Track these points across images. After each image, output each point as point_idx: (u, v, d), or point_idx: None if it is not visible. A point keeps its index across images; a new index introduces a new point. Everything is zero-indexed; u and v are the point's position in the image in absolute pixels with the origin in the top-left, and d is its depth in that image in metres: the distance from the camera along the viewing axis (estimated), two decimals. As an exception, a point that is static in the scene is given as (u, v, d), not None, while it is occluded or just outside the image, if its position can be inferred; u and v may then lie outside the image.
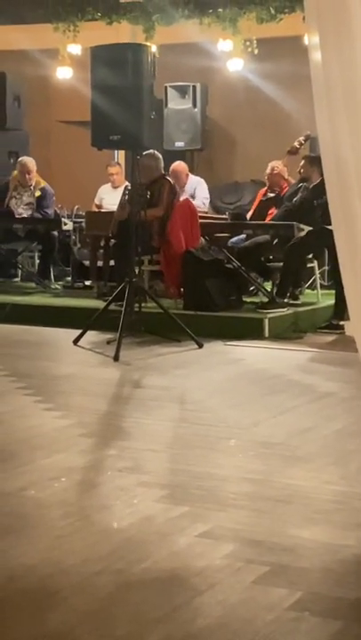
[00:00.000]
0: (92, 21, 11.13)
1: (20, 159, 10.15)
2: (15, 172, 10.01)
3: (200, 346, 6.95)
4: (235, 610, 2.54)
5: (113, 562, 2.87)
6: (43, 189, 9.86)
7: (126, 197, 7.95)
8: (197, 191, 9.72)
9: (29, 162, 9.94)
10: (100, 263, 9.06)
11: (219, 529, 3.17)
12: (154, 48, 8.28)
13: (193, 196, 9.52)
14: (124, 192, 8.33)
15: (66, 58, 11.39)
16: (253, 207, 9.11)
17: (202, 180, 9.92)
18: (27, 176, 9.81)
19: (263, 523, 3.26)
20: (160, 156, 8.52)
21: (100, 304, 7.63)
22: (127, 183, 9.36)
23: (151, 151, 8.21)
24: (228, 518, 3.30)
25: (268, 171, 9.08)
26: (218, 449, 4.26)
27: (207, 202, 9.89)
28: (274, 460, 4.05)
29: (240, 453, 4.18)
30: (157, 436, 4.46)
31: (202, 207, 9.52)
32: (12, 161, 10.87)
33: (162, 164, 8.49)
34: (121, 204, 8.16)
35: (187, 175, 9.75)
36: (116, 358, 6.41)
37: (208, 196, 9.94)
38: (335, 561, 2.91)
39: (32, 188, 9.86)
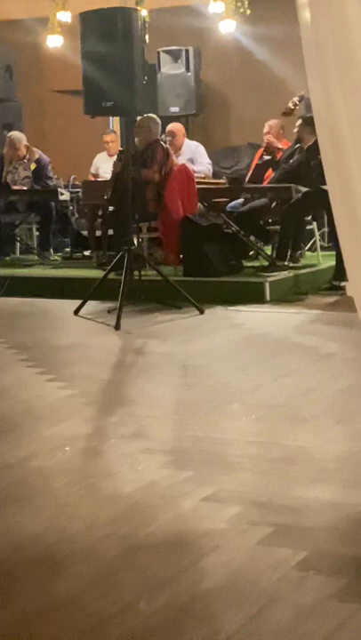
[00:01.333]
0: (82, -13, 10.99)
1: (8, 135, 10.09)
2: (6, 148, 9.96)
3: (201, 312, 6.94)
4: (240, 571, 2.56)
5: (118, 527, 2.89)
6: (37, 161, 9.81)
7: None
8: (198, 156, 9.64)
9: (16, 138, 9.88)
10: (98, 233, 9.03)
11: (223, 492, 3.18)
12: (144, 12, 8.20)
13: (192, 161, 9.45)
14: (118, 157, 8.31)
15: (56, 26, 11.25)
16: (251, 170, 9.06)
17: (200, 145, 9.83)
18: (17, 152, 9.77)
19: (268, 484, 3.27)
20: (158, 119, 8.47)
21: (99, 274, 7.62)
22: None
23: (150, 114, 8.16)
24: (233, 481, 3.31)
25: (265, 130, 9.03)
26: (221, 413, 4.26)
27: (211, 167, 9.81)
28: (277, 421, 4.06)
29: (243, 416, 4.18)
30: (160, 401, 4.47)
31: (207, 172, 9.46)
32: (6, 133, 10.80)
33: (159, 128, 8.43)
34: (115, 165, 8.17)
35: (183, 135, 9.67)
36: (117, 327, 6.41)
37: (210, 160, 9.87)
38: (340, 519, 2.92)
39: (26, 161, 9.82)
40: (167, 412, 4.32)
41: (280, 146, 8.82)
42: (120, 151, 8.20)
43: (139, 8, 8.64)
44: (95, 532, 2.84)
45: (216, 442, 3.79)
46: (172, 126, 9.64)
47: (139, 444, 3.76)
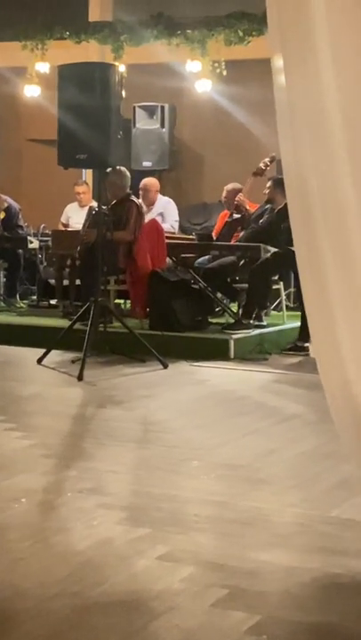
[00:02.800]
0: (61, 40, 11.12)
1: None
2: None
3: (165, 366, 6.93)
4: (192, 634, 2.52)
5: (70, 585, 2.83)
6: (7, 209, 9.84)
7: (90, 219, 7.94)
8: (167, 213, 9.67)
9: None
10: (65, 282, 9.02)
11: (178, 552, 3.14)
12: (122, 68, 8.28)
13: (162, 217, 9.49)
14: (88, 213, 8.30)
15: (34, 76, 11.35)
16: (216, 230, 9.10)
17: (171, 201, 9.88)
18: None
19: (224, 545, 3.24)
20: (127, 172, 8.48)
21: (65, 323, 7.59)
22: (93, 203, 9.35)
23: (118, 167, 8.16)
24: (189, 541, 3.27)
25: (223, 194, 9.14)
26: (180, 471, 4.23)
27: (177, 225, 9.85)
28: (237, 482, 4.03)
29: (203, 475, 4.15)
30: (119, 457, 4.43)
31: (171, 230, 9.50)
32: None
33: (128, 182, 8.44)
34: (86, 226, 8.13)
35: (156, 192, 9.70)
36: (80, 378, 6.37)
37: (177, 218, 9.91)
38: (295, 584, 2.89)
39: None
40: (126, 467, 4.28)
41: (247, 207, 8.86)
42: (92, 213, 8.11)
43: (117, 63, 8.75)
44: (47, 590, 2.79)
45: (174, 500, 3.75)
46: (147, 181, 9.68)
47: (95, 499, 3.72)
